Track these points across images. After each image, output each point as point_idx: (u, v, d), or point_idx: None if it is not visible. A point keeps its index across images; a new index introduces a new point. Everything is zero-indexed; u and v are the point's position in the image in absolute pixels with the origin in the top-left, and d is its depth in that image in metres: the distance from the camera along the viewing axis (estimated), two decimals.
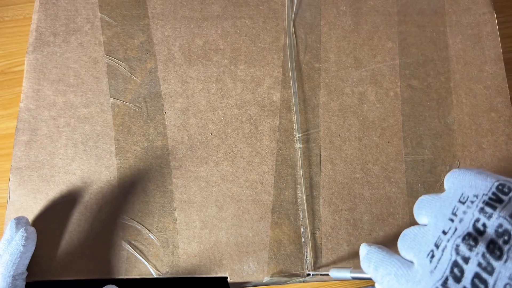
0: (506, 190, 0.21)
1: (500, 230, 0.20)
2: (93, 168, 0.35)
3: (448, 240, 0.21)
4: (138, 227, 0.34)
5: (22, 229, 0.31)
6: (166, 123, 0.36)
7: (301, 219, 0.34)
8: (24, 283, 0.30)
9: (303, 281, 0.33)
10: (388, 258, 0.24)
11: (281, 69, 0.38)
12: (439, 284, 0.20)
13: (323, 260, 0.33)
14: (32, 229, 0.32)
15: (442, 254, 0.21)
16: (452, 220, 0.22)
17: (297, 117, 0.36)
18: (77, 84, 0.37)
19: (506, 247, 0.19)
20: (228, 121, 0.36)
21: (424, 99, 0.37)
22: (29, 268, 0.32)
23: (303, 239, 0.34)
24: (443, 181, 0.35)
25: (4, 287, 0.29)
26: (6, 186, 0.44)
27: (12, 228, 0.31)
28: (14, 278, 0.30)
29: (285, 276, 0.33)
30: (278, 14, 0.39)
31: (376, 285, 0.25)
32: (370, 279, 0.27)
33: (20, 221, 0.32)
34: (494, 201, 0.21)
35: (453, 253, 0.20)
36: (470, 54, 0.38)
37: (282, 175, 0.35)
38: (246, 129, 0.36)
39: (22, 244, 0.30)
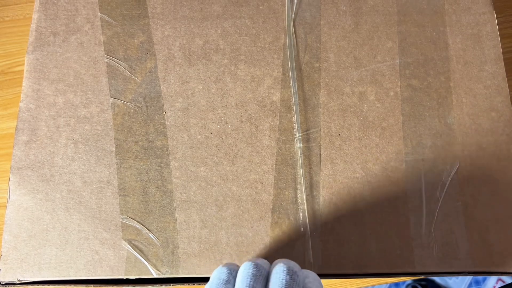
0: None
1: None
2: (93, 167, 0.35)
3: None
4: (138, 226, 0.34)
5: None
6: (166, 122, 0.36)
7: (301, 219, 0.34)
8: None
9: None
10: None
11: (281, 68, 0.38)
12: None
13: (323, 260, 0.33)
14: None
15: None
16: None
17: (297, 116, 0.36)
18: (77, 83, 0.37)
19: None
20: (228, 121, 0.36)
21: (424, 99, 0.37)
22: (29, 268, 0.32)
23: (303, 239, 0.34)
24: (443, 181, 0.35)
25: None
26: (6, 186, 0.44)
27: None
28: None
29: None
30: (278, 14, 0.39)
31: None
32: None
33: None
34: None
35: None
36: (470, 53, 0.38)
37: (282, 175, 0.35)
38: (246, 128, 0.36)
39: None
